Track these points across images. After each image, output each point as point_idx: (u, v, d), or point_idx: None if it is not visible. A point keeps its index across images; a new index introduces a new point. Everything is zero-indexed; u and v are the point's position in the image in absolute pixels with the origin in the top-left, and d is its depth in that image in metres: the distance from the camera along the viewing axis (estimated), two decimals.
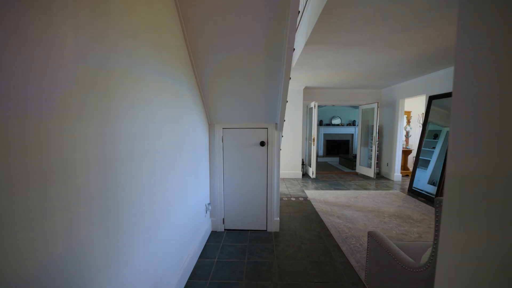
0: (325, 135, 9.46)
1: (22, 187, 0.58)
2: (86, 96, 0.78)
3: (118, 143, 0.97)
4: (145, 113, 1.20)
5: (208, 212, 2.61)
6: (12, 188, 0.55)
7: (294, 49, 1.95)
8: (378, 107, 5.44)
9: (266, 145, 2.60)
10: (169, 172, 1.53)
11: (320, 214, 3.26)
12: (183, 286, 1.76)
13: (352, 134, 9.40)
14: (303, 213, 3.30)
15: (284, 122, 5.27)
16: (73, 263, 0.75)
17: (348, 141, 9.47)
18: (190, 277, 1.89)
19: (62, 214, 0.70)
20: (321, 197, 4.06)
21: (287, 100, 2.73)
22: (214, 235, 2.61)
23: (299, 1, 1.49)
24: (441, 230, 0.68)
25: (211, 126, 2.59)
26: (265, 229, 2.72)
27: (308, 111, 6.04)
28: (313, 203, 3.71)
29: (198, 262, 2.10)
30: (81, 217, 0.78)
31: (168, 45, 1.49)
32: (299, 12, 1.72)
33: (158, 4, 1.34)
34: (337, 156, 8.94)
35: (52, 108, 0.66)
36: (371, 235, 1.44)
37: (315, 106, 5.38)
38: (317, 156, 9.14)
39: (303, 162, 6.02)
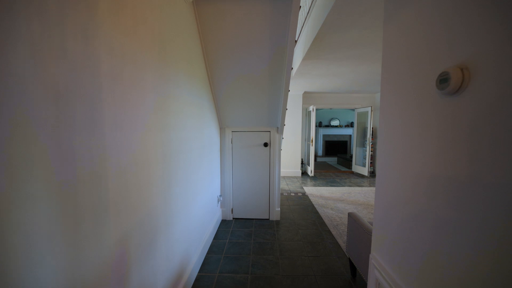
0: (324, 136, 9.88)
1: (130, 171, 1.03)
2: (157, 115, 1.24)
3: (170, 145, 1.42)
4: (183, 123, 1.65)
5: (219, 203, 3.06)
6: (125, 172, 1.01)
7: (292, 68, 2.40)
8: (371, 110, 5.88)
9: (269, 146, 3.05)
10: (196, 167, 1.98)
11: (316, 206, 3.70)
12: (203, 258, 2.22)
13: (350, 135, 9.82)
14: (301, 206, 3.75)
15: (285, 125, 5.71)
16: (150, 221, 1.20)
17: (346, 141, 9.89)
18: (208, 252, 2.34)
19: (146, 188, 1.15)
20: (317, 192, 4.51)
21: (287, 108, 3.17)
22: (224, 223, 3.06)
23: (295, 34, 1.94)
24: (374, 209, 1.20)
25: (222, 129, 3.04)
26: (268, 218, 3.17)
27: (307, 114, 6.48)
28: (310, 198, 4.15)
29: (213, 242, 2.55)
30: (153, 191, 1.23)
31: (195, 70, 1.94)
32: (296, 41, 2.17)
33: (191, 43, 1.80)
34: (336, 156, 9.37)
35: (147, 125, 1.11)
36: (350, 215, 1.89)
37: (313, 110, 5.82)
38: (317, 156, 9.57)
39: (302, 161, 6.46)
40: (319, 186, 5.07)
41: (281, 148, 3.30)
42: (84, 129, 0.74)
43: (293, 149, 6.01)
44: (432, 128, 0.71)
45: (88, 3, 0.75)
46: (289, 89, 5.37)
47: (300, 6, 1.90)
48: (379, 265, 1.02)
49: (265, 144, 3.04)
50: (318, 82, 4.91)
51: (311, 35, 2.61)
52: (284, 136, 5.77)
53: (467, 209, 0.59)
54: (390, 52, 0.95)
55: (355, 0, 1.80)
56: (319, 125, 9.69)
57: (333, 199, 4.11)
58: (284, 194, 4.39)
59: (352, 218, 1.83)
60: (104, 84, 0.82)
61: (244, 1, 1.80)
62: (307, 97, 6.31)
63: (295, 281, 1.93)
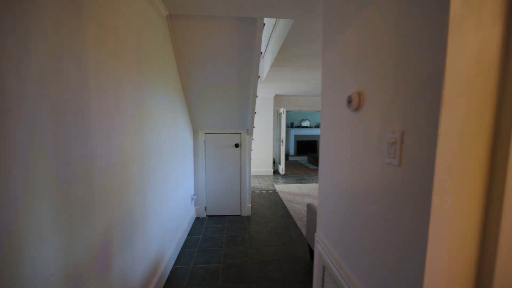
0: (295, 136, 10.39)
1: (112, 171, 1.19)
2: (136, 121, 1.40)
3: (146, 147, 1.58)
4: (158, 127, 1.81)
5: (193, 201, 3.21)
6: (108, 172, 1.16)
7: (259, 76, 2.65)
8: None
9: (239, 147, 3.27)
10: (170, 168, 2.14)
11: (284, 202, 4.02)
12: (178, 252, 2.37)
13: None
14: (271, 202, 4.03)
15: (257, 126, 5.97)
16: (129, 215, 1.35)
17: (316, 141, 10.50)
18: (183, 247, 2.49)
19: (125, 187, 1.31)
20: (287, 189, 4.84)
21: (256, 111, 3.41)
22: (198, 220, 3.22)
23: (260, 47, 2.18)
24: (318, 195, 1.49)
25: (195, 132, 3.20)
26: (240, 214, 3.40)
27: (278, 116, 6.83)
28: (280, 194, 4.47)
29: (187, 238, 2.71)
30: (132, 190, 1.38)
31: (168, 78, 2.09)
32: (261, 53, 2.42)
33: (165, 53, 1.96)
34: (306, 155, 9.91)
35: (126, 130, 1.27)
36: (309, 206, 2.19)
37: (283, 112, 6.18)
38: (289, 155, 10.03)
39: (274, 161, 6.79)
40: (289, 183, 5.42)
41: (252, 148, 3.55)
42: (76, 135, 0.90)
43: (265, 149, 6.30)
44: (347, 131, 0.99)
45: (80, 33, 0.90)
46: (261, 93, 5.66)
47: (264, 24, 2.16)
48: (320, 240, 1.30)
49: (236, 145, 3.26)
50: (287, 86, 5.26)
51: (277, 47, 2.89)
52: (256, 137, 6.04)
53: (367, 186, 0.87)
54: (325, 76, 1.23)
55: (311, 21, 2.09)
56: (291, 125, 10.16)
57: (300, 194, 4.47)
58: (256, 191, 4.65)
59: (310, 208, 2.14)
60: (92, 97, 0.98)
61: (214, 18, 2.00)
62: (278, 99, 6.65)
63: (262, 266, 2.18)
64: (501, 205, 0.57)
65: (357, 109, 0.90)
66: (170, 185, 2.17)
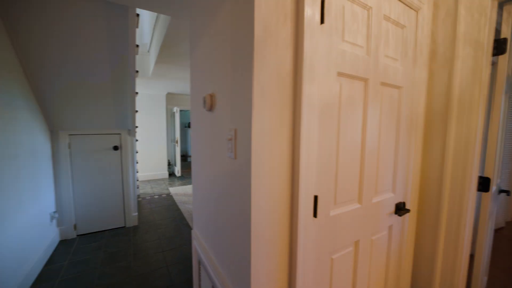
0: None
1: None
2: None
3: None
4: None
5: (54, 221, 2.55)
6: None
7: (137, 71, 2.42)
8: None
9: (120, 149, 2.88)
10: (5, 181, 1.60)
11: (178, 204, 3.88)
12: None
13: None
14: (163, 206, 3.79)
15: (148, 126, 5.47)
16: None
17: None
18: (35, 283, 1.94)
19: None
20: (183, 191, 4.70)
21: (137, 110, 3.10)
22: (64, 243, 2.59)
23: (135, 40, 1.99)
24: (193, 195, 1.49)
25: (54, 133, 2.54)
26: (124, 225, 3.00)
27: (172, 115, 6.49)
28: (174, 197, 4.27)
29: (43, 269, 2.12)
30: None
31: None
32: (137, 46, 2.22)
33: None
34: None
35: None
36: None
37: (177, 111, 5.93)
38: (187, 156, 9.74)
39: (169, 162, 6.41)
40: (185, 185, 5.27)
41: (137, 150, 3.20)
42: None
43: (158, 151, 5.84)
44: (206, 129, 1.07)
45: None
46: (151, 90, 5.20)
47: (138, 14, 1.99)
48: (196, 236, 1.35)
49: (115, 148, 2.85)
50: (180, 85, 5.07)
51: (159, 42, 2.73)
52: (147, 138, 5.51)
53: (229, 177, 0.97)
54: (191, 78, 1.28)
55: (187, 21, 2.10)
56: (188, 125, 9.89)
57: None
58: (146, 198, 4.25)
59: None
60: None
61: None
62: (171, 98, 6.32)
63: (146, 277, 2.02)
64: (298, 177, 0.78)
65: (211, 109, 0.99)
66: (4, 207, 1.63)
